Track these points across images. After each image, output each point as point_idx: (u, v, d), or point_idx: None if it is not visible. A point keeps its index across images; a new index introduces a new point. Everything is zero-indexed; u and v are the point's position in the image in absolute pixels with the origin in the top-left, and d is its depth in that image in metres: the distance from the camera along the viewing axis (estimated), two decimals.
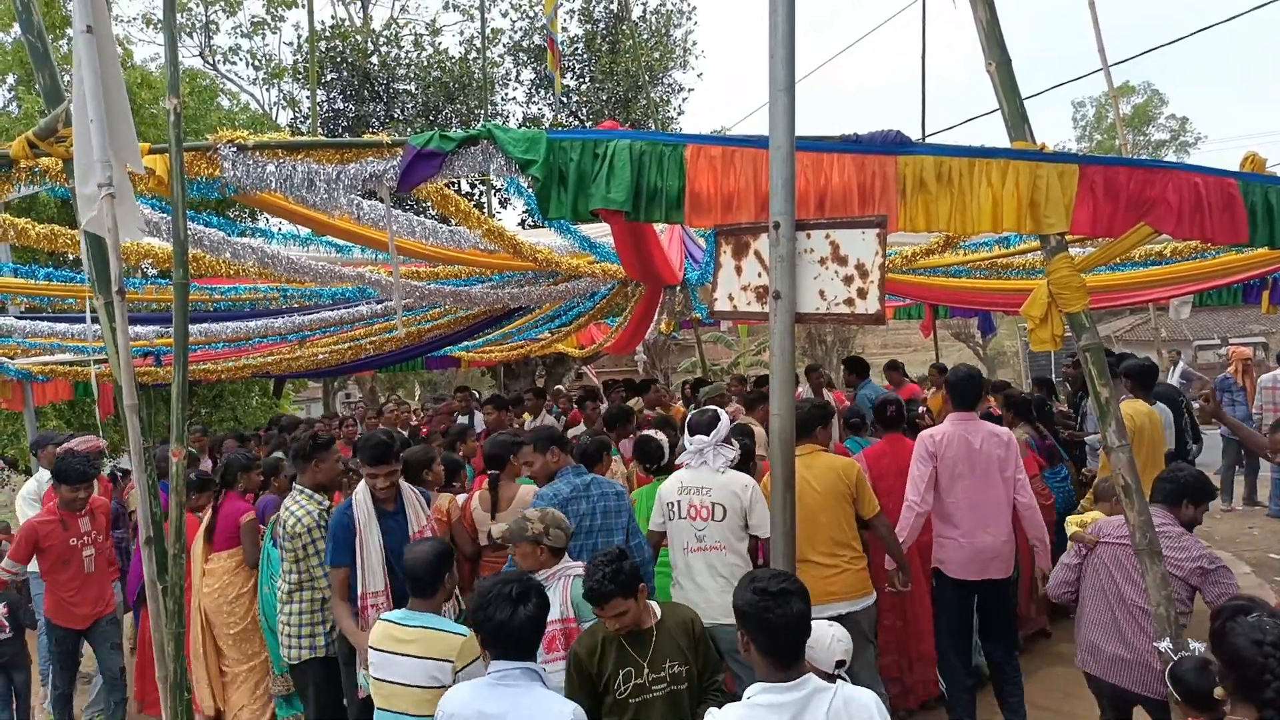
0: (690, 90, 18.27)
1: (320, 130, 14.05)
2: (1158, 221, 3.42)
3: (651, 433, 4.95)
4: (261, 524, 5.04)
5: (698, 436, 4.01)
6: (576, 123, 15.87)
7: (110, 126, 2.52)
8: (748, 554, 4.01)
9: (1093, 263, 3.66)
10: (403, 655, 3.07)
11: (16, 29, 13.48)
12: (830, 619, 3.88)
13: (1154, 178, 3.40)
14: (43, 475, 6.27)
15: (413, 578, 3.24)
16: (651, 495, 4.39)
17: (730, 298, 3.22)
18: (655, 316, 9.15)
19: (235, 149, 3.19)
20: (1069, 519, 4.02)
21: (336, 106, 15.91)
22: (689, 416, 4.25)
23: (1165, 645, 3.07)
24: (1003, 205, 3.23)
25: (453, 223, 4.55)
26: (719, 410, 4.19)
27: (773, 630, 2.24)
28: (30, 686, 5.99)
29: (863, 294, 2.87)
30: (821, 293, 2.94)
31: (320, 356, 8.49)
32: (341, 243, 4.83)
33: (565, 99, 16.36)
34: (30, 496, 6.32)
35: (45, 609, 5.22)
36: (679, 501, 4.01)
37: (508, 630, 2.56)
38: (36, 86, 12.81)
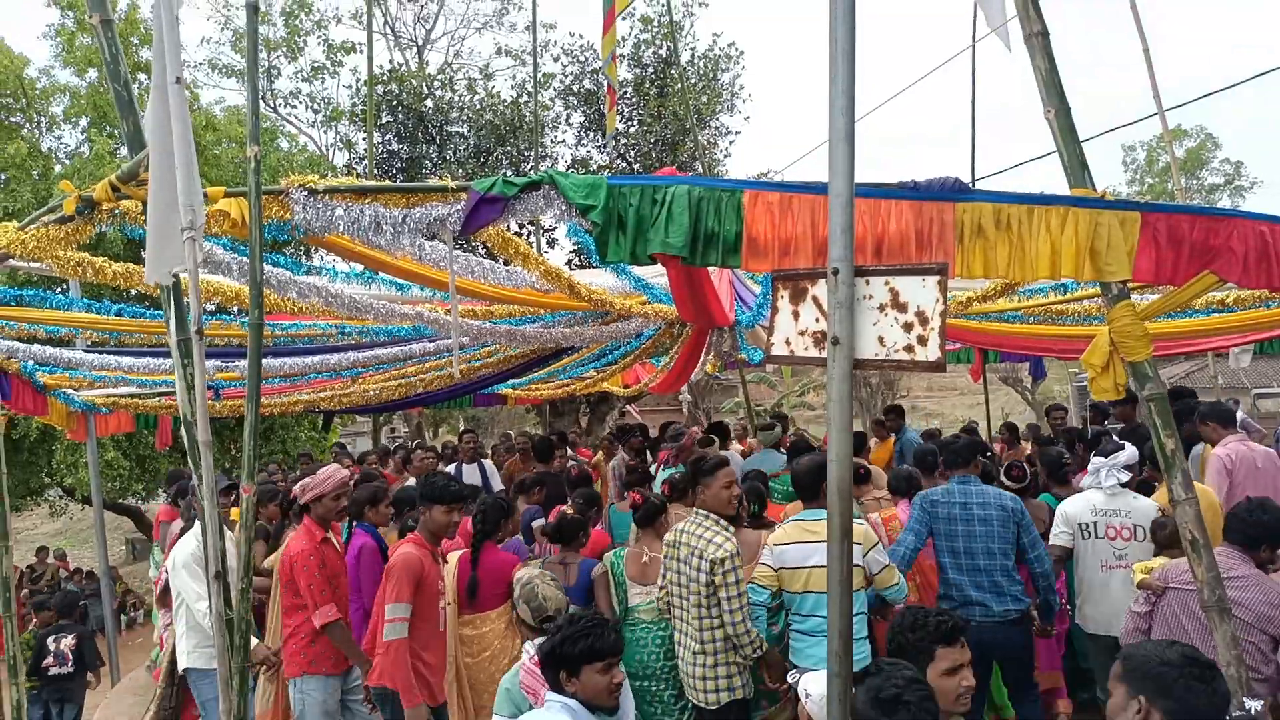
0: (737, 134, 18.43)
1: (376, 171, 14.42)
2: (1222, 270, 3.36)
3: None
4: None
5: (1098, 459, 4.67)
6: (624, 165, 16.06)
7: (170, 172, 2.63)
8: None
9: (1155, 311, 3.60)
10: (817, 543, 3.77)
11: (91, 74, 14.10)
12: None
13: (1218, 225, 3.35)
14: (197, 534, 4.78)
15: (800, 486, 4.10)
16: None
17: (787, 342, 3.23)
18: (702, 357, 9.17)
19: (306, 193, 3.30)
20: (1135, 566, 3.93)
21: (391, 148, 16.31)
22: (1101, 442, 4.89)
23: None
24: (1061, 252, 3.21)
25: (501, 260, 4.63)
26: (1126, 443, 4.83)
27: (1195, 706, 1.97)
28: None
29: (923, 341, 2.86)
30: (881, 339, 2.93)
31: (372, 393, 8.63)
32: (400, 281, 4.93)
33: (615, 140, 16.59)
34: (194, 562, 4.79)
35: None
36: (1095, 522, 4.55)
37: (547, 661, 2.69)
38: (109, 129, 13.39)
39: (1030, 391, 27.19)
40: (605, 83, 10.75)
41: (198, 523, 4.40)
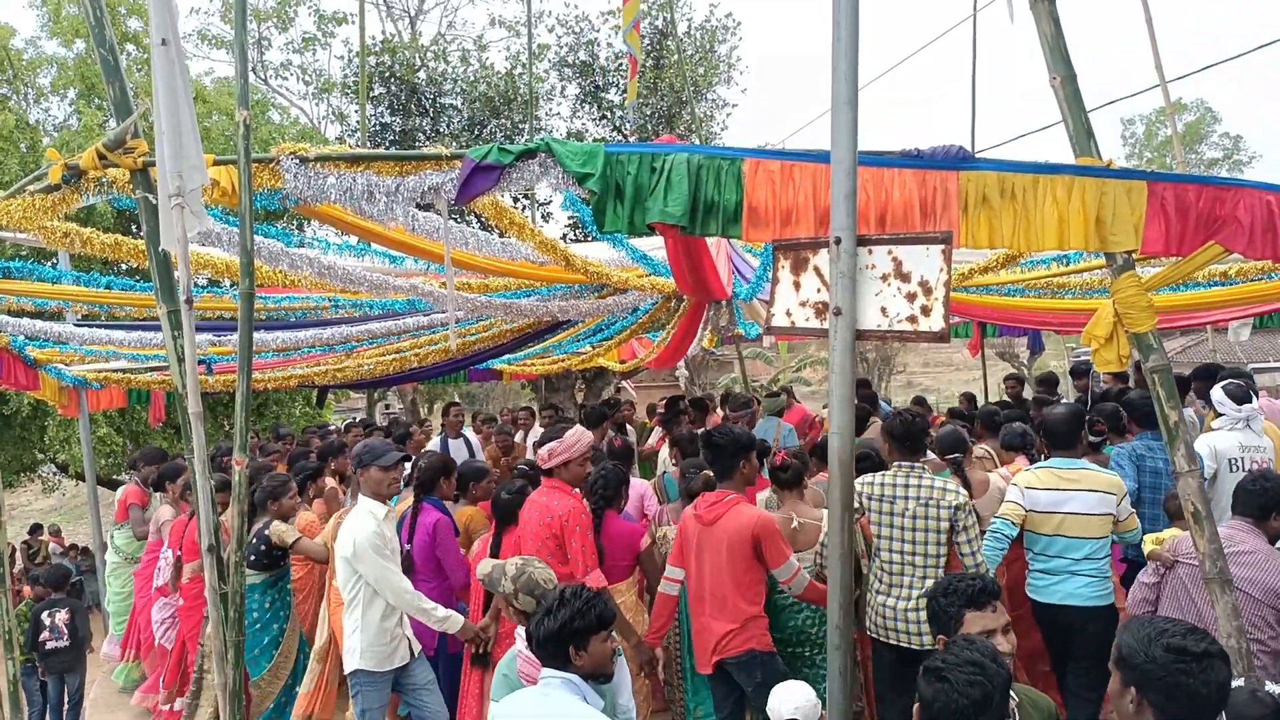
0: (734, 105, 18.29)
1: (368, 144, 14.27)
2: (1228, 240, 3.32)
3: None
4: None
5: (1245, 405, 4.99)
6: (620, 138, 15.93)
7: (178, 139, 2.56)
8: None
9: (1159, 282, 3.55)
10: (1074, 491, 4.17)
11: (79, 44, 13.89)
12: None
13: (1224, 195, 3.30)
14: (372, 510, 4.17)
15: (1053, 434, 4.40)
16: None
17: (788, 313, 3.18)
18: (699, 332, 9.12)
19: (297, 161, 3.23)
20: (1146, 537, 3.92)
21: (384, 120, 16.14)
22: (1227, 387, 5.09)
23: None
24: (1068, 222, 3.16)
25: (496, 232, 4.57)
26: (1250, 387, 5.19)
27: (1186, 699, 1.94)
28: (84, 692, 6.06)
29: (926, 311, 2.82)
30: (883, 309, 2.89)
31: (366, 368, 8.57)
32: (394, 253, 4.87)
33: (609, 114, 16.44)
34: (379, 542, 4.09)
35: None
36: (1242, 458, 4.88)
37: (537, 640, 2.65)
38: (97, 101, 13.20)
39: (1026, 366, 27.21)
40: (627, 50, 10.64)
41: (363, 498, 4.20)
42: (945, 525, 3.97)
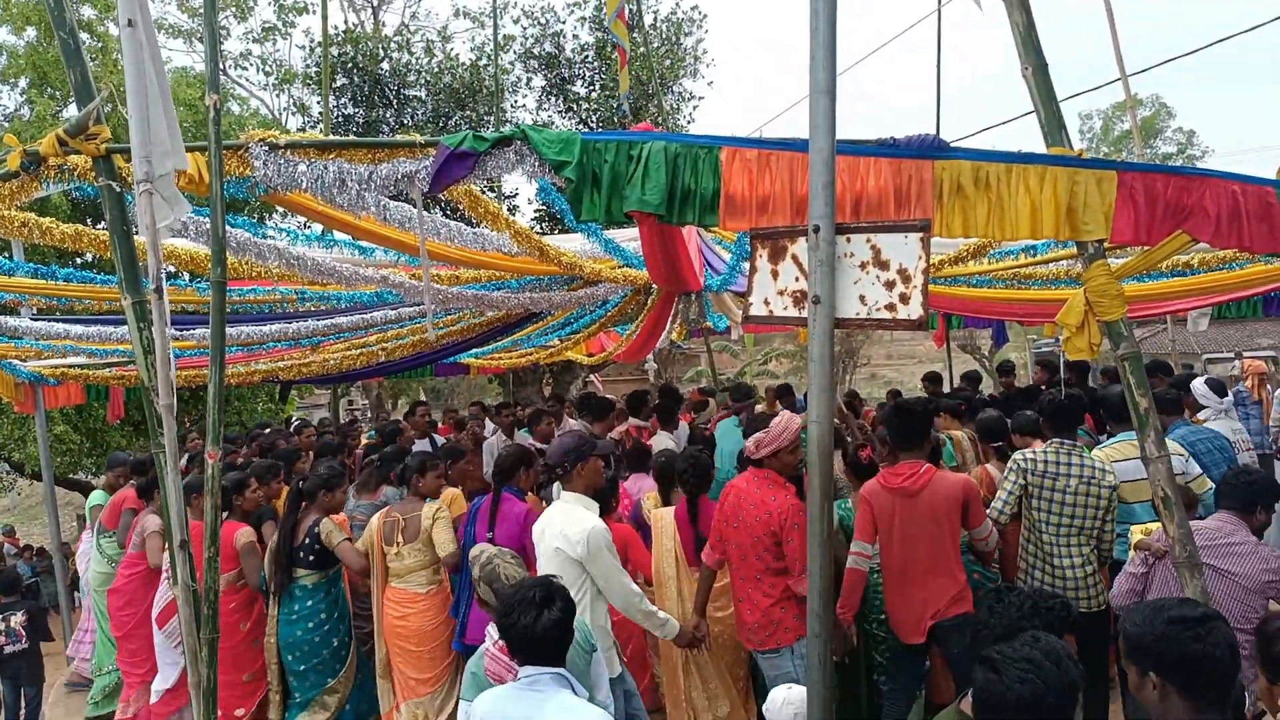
0: (701, 98, 18.26)
1: (331, 135, 14.04)
2: (1195, 230, 3.37)
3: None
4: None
5: (1225, 398, 5.72)
6: (586, 130, 15.86)
7: (147, 123, 2.49)
8: None
9: (1129, 271, 3.60)
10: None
11: (30, 32, 13.50)
12: None
13: (1192, 185, 3.36)
14: (588, 505, 3.96)
15: (1114, 411, 4.74)
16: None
17: (766, 302, 3.18)
18: (668, 325, 9.11)
19: (267, 148, 3.16)
20: (1133, 528, 3.98)
21: (346, 112, 15.91)
22: (1209, 381, 5.83)
23: None
24: (1041, 211, 3.19)
25: (471, 223, 4.52)
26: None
27: (1203, 667, 1.95)
28: (42, 702, 5.87)
29: (905, 299, 2.83)
30: (862, 298, 2.90)
31: (332, 362, 8.45)
32: (364, 244, 4.79)
33: (575, 106, 16.35)
34: (609, 540, 3.85)
35: None
36: (1237, 440, 5.42)
37: (531, 636, 2.55)
38: (50, 90, 12.85)
39: (988, 358, 27.58)
40: (613, 41, 10.58)
41: (570, 494, 3.87)
42: (1104, 504, 4.19)
